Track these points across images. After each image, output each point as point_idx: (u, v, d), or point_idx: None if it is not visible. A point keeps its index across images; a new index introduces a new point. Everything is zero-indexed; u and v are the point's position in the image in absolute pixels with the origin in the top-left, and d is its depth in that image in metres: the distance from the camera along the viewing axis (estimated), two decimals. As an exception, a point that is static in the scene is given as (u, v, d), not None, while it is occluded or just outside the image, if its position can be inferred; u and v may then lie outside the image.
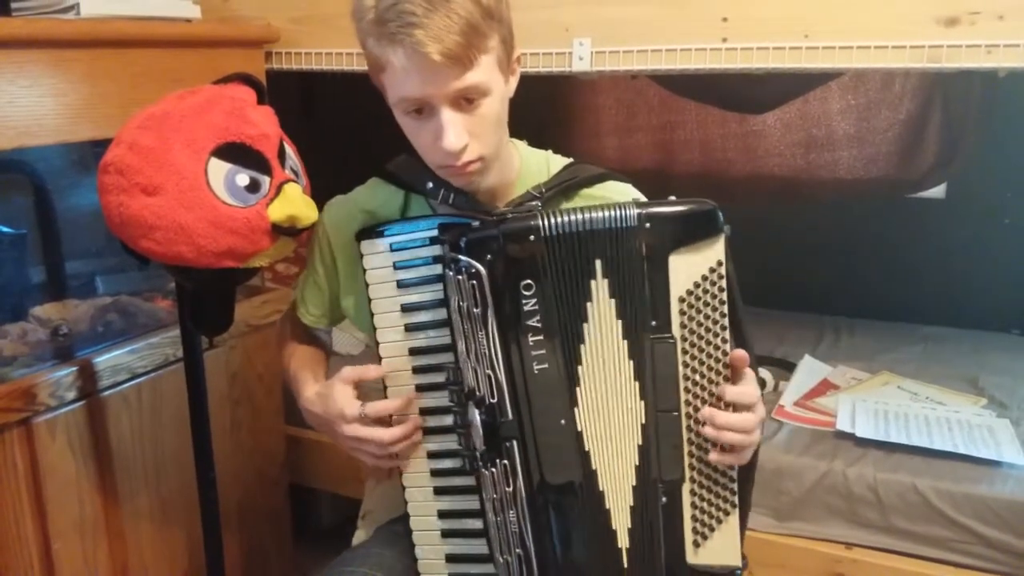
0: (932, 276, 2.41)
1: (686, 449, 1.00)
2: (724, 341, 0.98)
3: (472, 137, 0.96)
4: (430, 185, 1.05)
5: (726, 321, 0.98)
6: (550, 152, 1.19)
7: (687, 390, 0.99)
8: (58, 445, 1.37)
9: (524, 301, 0.96)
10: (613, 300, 0.98)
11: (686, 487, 1.01)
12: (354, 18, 0.95)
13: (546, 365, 0.98)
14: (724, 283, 0.97)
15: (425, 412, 1.07)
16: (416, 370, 1.07)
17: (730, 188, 2.50)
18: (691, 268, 0.97)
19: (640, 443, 1.00)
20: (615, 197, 1.14)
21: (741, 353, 0.99)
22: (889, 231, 2.43)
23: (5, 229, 1.54)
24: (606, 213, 0.97)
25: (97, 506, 1.45)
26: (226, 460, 1.71)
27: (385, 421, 1.06)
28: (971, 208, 2.35)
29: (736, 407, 0.99)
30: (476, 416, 0.99)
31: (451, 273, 0.98)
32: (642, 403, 1.00)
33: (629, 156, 2.59)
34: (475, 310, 0.96)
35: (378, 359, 1.09)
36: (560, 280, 0.97)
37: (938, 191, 2.39)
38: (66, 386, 1.37)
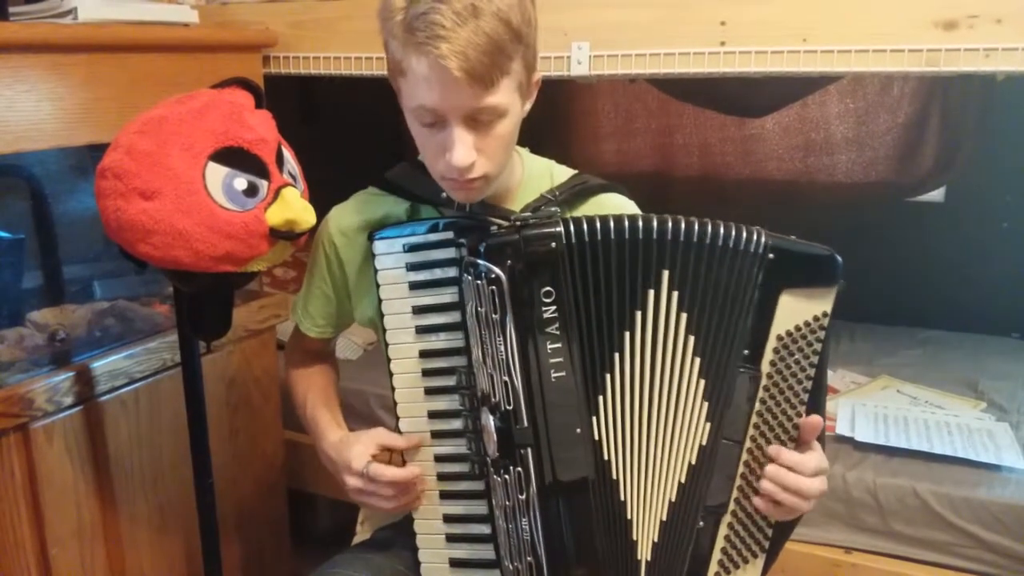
0: (931, 280, 2.41)
1: (737, 483, 0.99)
2: (805, 391, 0.97)
3: (480, 155, 0.95)
4: (444, 195, 1.05)
5: (813, 372, 0.97)
6: (552, 161, 1.19)
7: (756, 427, 0.98)
8: (55, 451, 1.36)
9: (544, 308, 0.95)
10: (685, 314, 0.96)
11: (725, 519, 1.00)
12: (380, 16, 0.94)
13: (563, 373, 0.96)
14: (823, 335, 0.96)
15: (434, 415, 1.07)
16: (426, 373, 1.07)
17: (728, 192, 2.51)
18: (797, 310, 0.96)
19: (693, 462, 0.99)
20: (620, 208, 1.14)
21: (816, 420, 0.97)
22: (888, 235, 2.43)
23: (3, 234, 1.54)
24: (723, 230, 0.95)
25: (95, 512, 1.45)
26: (224, 465, 1.70)
27: (396, 462, 1.07)
28: (970, 212, 2.36)
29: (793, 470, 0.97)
30: (491, 422, 0.98)
31: (469, 277, 0.97)
32: (708, 425, 0.98)
33: (628, 160, 2.60)
34: (493, 316, 0.95)
35: (387, 360, 1.09)
36: (594, 287, 0.96)
37: (937, 195, 2.39)
38: (63, 391, 1.36)
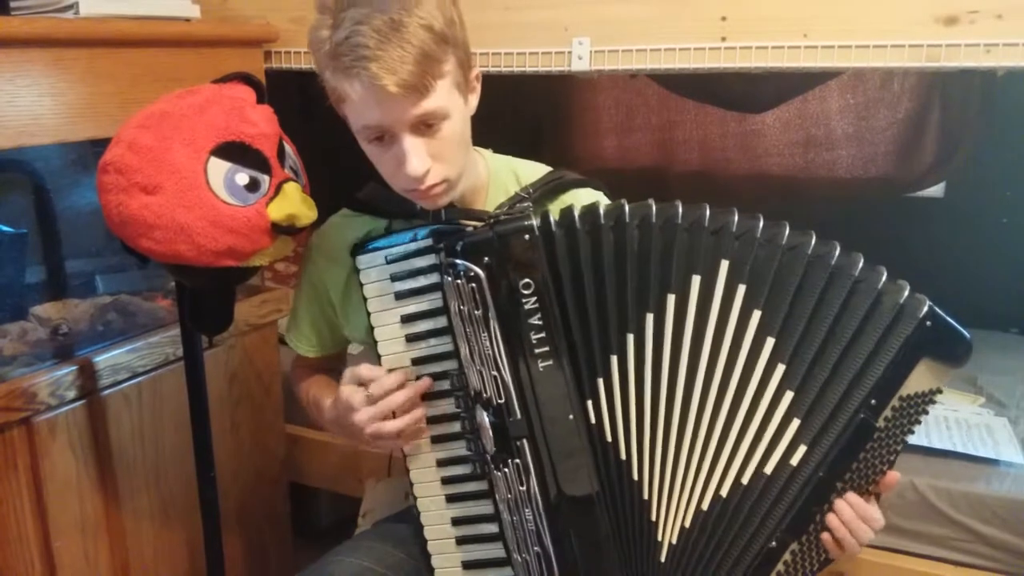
0: (930, 275, 2.38)
1: (816, 517, 1.00)
2: (895, 453, 0.98)
3: (435, 160, 0.96)
4: (419, 207, 1.06)
5: (907, 439, 0.98)
6: (511, 158, 1.20)
7: (850, 471, 0.98)
8: (58, 444, 1.37)
9: (524, 300, 0.96)
10: (758, 311, 0.96)
11: (792, 546, 1.00)
12: (311, 49, 0.96)
13: (550, 362, 0.97)
14: (927, 408, 0.98)
15: (432, 421, 1.07)
16: (420, 379, 1.07)
17: (729, 187, 2.50)
18: (923, 379, 0.97)
19: (768, 472, 0.98)
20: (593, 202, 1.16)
21: (896, 477, 0.99)
22: (888, 230, 2.43)
23: (5, 228, 1.54)
24: (858, 268, 0.98)
25: (98, 505, 1.46)
26: (226, 459, 1.71)
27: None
28: (970, 207, 2.35)
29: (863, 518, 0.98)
30: (485, 418, 0.99)
31: (449, 278, 0.98)
32: (803, 447, 0.97)
33: (628, 155, 2.59)
34: (476, 312, 0.97)
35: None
36: (594, 273, 0.97)
37: (937, 190, 2.39)
38: (66, 385, 1.37)
